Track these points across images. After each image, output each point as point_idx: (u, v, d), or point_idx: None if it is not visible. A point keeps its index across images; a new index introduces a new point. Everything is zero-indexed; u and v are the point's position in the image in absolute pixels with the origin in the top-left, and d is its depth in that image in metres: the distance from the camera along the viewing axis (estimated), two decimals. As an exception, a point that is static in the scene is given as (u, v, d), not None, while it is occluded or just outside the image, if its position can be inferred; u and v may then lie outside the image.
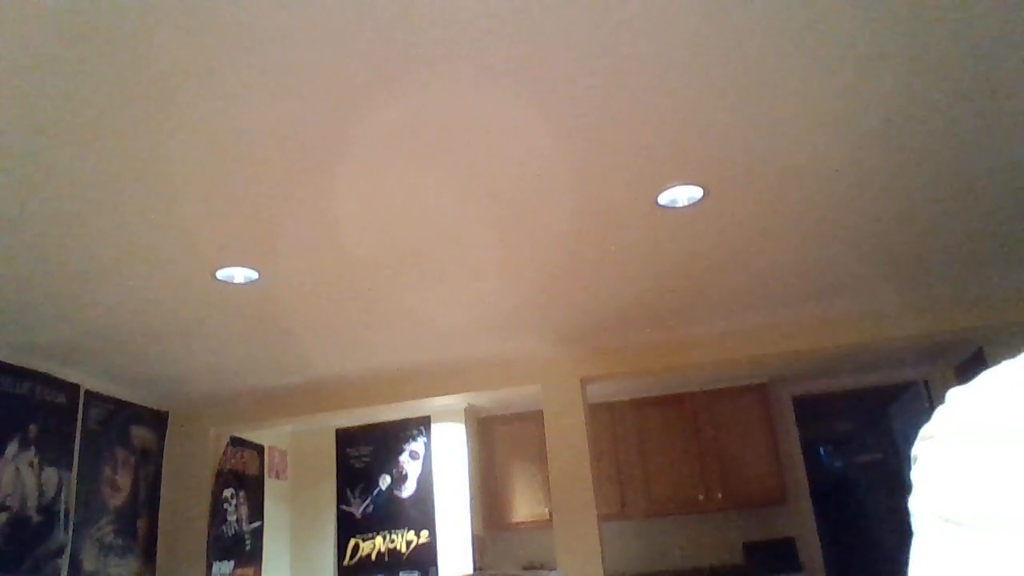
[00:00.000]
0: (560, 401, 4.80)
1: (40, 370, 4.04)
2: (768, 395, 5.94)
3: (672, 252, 3.40)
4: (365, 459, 5.99)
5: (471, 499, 5.69)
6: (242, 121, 2.19)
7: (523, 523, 5.91)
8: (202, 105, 2.10)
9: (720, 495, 5.74)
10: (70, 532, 4.11)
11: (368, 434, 6.02)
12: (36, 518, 3.89)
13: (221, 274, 3.21)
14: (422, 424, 5.89)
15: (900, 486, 6.71)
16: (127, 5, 1.72)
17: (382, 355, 4.52)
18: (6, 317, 3.46)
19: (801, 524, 5.88)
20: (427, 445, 5.86)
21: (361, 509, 5.89)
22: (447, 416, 5.86)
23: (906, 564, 0.51)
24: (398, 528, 5.75)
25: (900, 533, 6.37)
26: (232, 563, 5.21)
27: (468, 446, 5.82)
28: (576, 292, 3.80)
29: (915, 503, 0.50)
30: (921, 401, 6.21)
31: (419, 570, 5.61)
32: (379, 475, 5.92)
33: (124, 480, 4.62)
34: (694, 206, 2.96)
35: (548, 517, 5.64)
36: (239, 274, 3.23)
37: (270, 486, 5.86)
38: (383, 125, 2.27)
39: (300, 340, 4.13)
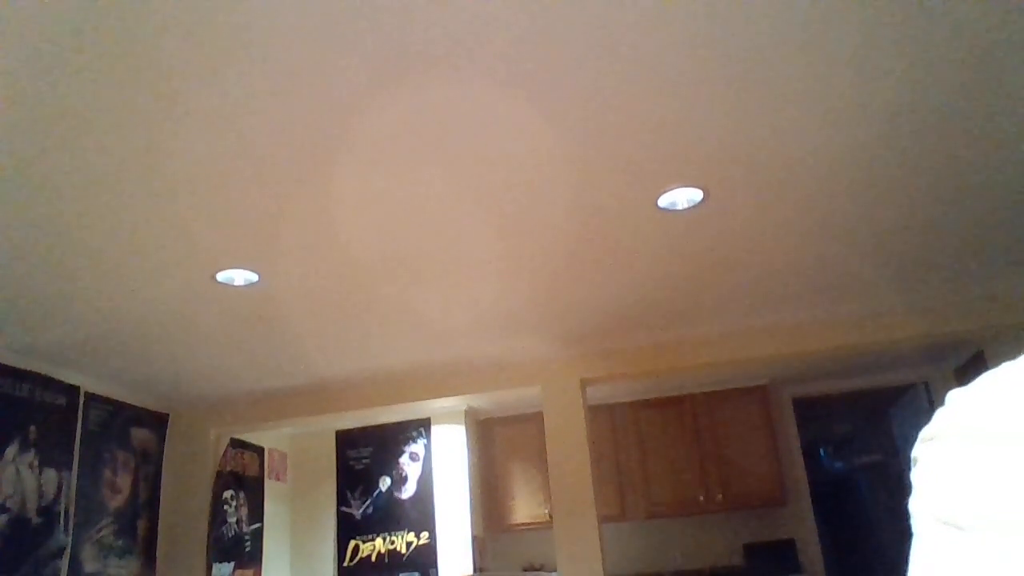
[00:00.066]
0: (560, 403, 4.80)
1: (40, 372, 4.04)
2: (768, 396, 5.93)
3: (672, 254, 3.40)
4: (365, 461, 5.99)
5: (471, 500, 5.69)
6: (242, 122, 2.19)
7: (523, 524, 5.91)
8: (202, 106, 2.10)
9: (720, 496, 5.74)
10: (70, 533, 4.11)
11: (368, 436, 6.01)
12: (36, 519, 3.88)
13: (221, 276, 3.21)
14: (422, 426, 5.89)
15: (900, 488, 6.71)
16: (128, 6, 1.72)
17: (382, 357, 4.52)
18: (6, 319, 3.46)
19: (801, 526, 5.87)
20: (427, 447, 5.86)
21: (361, 510, 5.88)
22: (447, 418, 5.86)
23: (906, 566, 0.51)
24: (398, 529, 5.75)
25: (900, 535, 6.36)
26: (232, 564, 5.21)
27: (468, 448, 5.82)
28: (576, 294, 3.80)
29: (915, 505, 0.50)
30: (921, 403, 6.21)
31: (419, 571, 5.60)
32: (379, 477, 5.91)
33: (124, 481, 4.62)
34: (694, 208, 2.96)
35: (548, 518, 5.63)
36: (239, 276, 3.23)
37: (270, 488, 5.86)
38: (383, 126, 2.27)
39: (300, 342, 4.13)
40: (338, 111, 2.18)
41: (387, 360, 4.60)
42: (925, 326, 4.47)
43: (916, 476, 0.51)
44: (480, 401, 5.69)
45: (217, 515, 5.09)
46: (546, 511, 5.73)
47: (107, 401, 4.53)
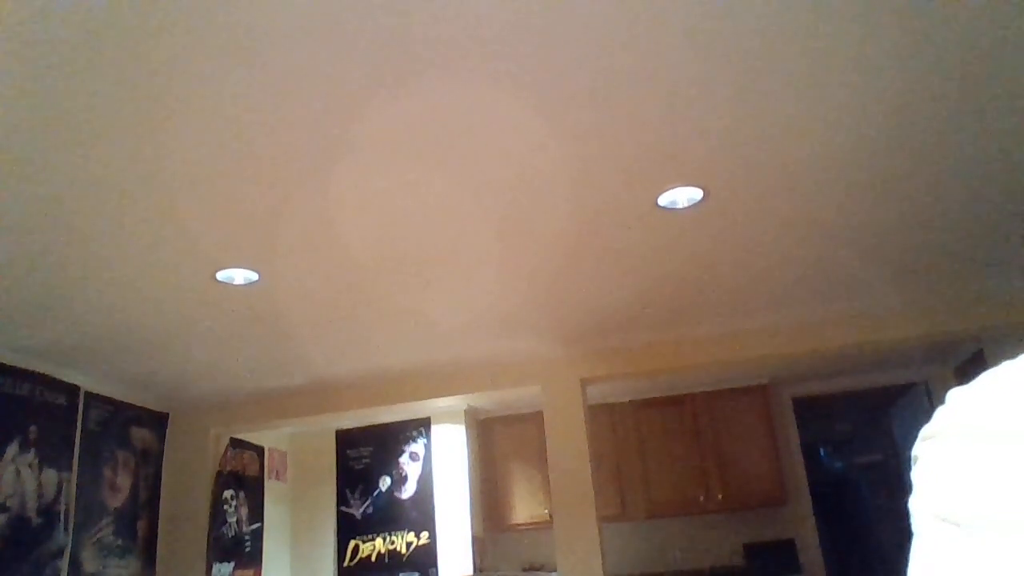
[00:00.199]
0: (560, 402, 4.80)
1: (40, 371, 4.04)
2: (768, 396, 5.93)
3: (672, 253, 3.40)
4: (365, 460, 5.99)
5: (471, 500, 5.69)
6: (242, 122, 2.19)
7: (523, 524, 5.91)
8: (203, 106, 2.10)
9: (720, 496, 5.74)
10: (70, 533, 4.11)
11: (368, 435, 6.01)
12: (36, 519, 3.88)
13: (221, 275, 3.21)
14: (422, 425, 5.89)
15: (900, 487, 6.71)
16: (128, 6, 1.72)
17: (382, 356, 4.52)
18: (6, 318, 3.46)
19: (801, 525, 5.87)
20: (427, 446, 5.86)
21: (361, 510, 5.88)
22: (447, 417, 5.86)
23: (906, 565, 0.51)
24: (398, 529, 5.75)
25: (900, 534, 6.36)
26: (232, 564, 5.21)
27: (468, 447, 5.82)
28: (576, 293, 3.80)
29: (915, 504, 0.50)
30: (921, 402, 6.21)
31: (419, 571, 5.60)
32: (379, 476, 5.91)
33: (124, 481, 4.62)
34: (694, 207, 2.96)
35: (548, 518, 5.63)
36: (239, 275, 3.23)
37: (270, 487, 5.86)
38: (383, 125, 2.27)
39: (300, 341, 4.13)
40: (338, 111, 2.18)
41: (387, 359, 4.60)
42: (925, 326, 4.47)
43: (916, 475, 0.51)
44: (480, 401, 5.69)
45: (217, 515, 5.09)
46: (546, 511, 5.73)
47: (107, 401, 4.53)
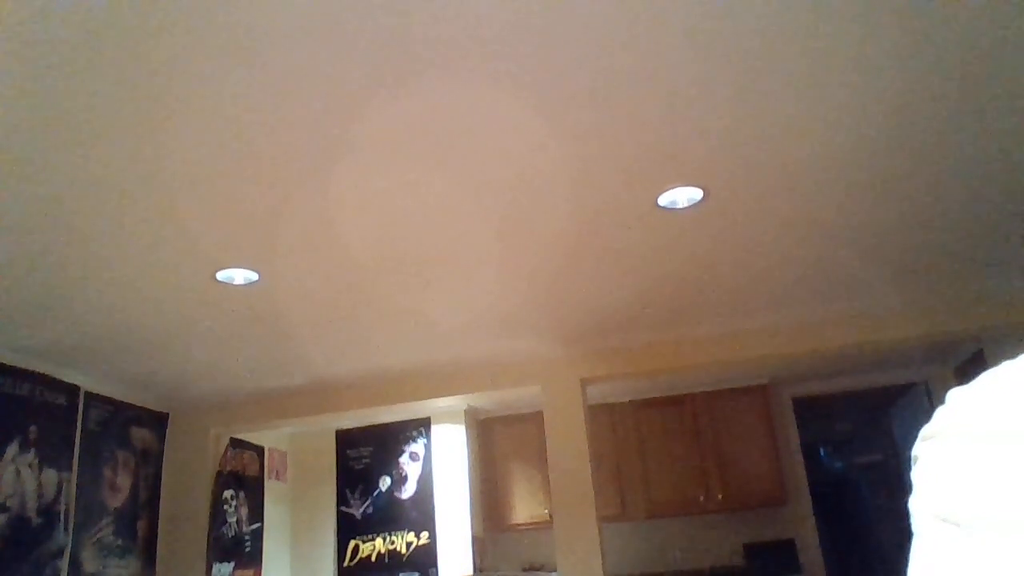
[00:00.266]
0: (560, 402, 4.80)
1: (40, 371, 4.04)
2: (768, 396, 5.93)
3: (672, 253, 3.40)
4: (365, 460, 5.99)
5: (471, 500, 5.69)
6: (242, 122, 2.19)
7: (523, 524, 5.91)
8: (202, 106, 2.10)
9: (720, 496, 5.74)
10: (70, 533, 4.11)
11: (368, 435, 6.01)
12: (36, 519, 3.88)
13: (221, 275, 3.21)
14: (422, 425, 5.89)
15: (900, 487, 6.71)
16: (128, 6, 1.72)
17: (382, 356, 4.52)
18: (6, 318, 3.46)
19: (801, 525, 5.87)
20: (427, 446, 5.86)
21: (361, 510, 5.88)
22: (447, 417, 5.86)
23: (906, 565, 0.51)
24: (398, 529, 5.75)
25: (900, 534, 6.36)
26: (232, 564, 5.21)
27: (468, 447, 5.82)
28: (576, 293, 3.80)
29: (915, 504, 0.50)
30: (921, 402, 6.21)
31: (419, 571, 5.60)
32: (379, 476, 5.91)
33: (124, 481, 4.62)
34: (694, 207, 2.96)
35: (548, 518, 5.63)
36: (239, 275, 3.23)
37: (270, 487, 5.86)
38: (383, 126, 2.27)
39: (300, 341, 4.13)
40: (338, 111, 2.18)
41: (387, 359, 4.60)
42: (925, 326, 4.47)
43: (916, 475, 0.51)
44: (480, 401, 5.69)
45: (217, 515, 5.09)
46: (546, 511, 5.73)
47: (107, 401, 4.53)
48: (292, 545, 6.04)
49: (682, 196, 2.86)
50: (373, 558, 5.74)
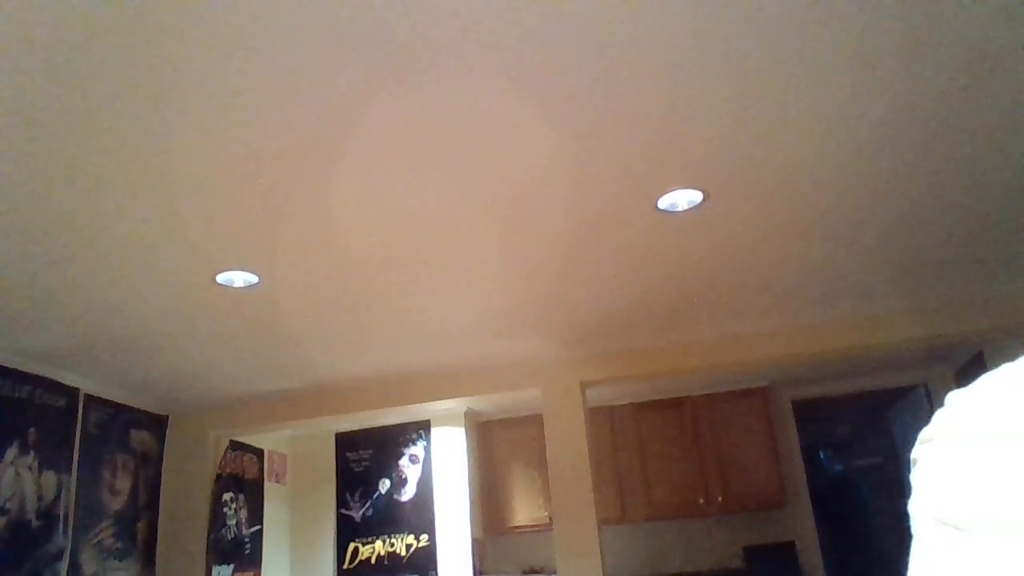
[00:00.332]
0: (560, 405, 4.80)
1: (40, 374, 4.04)
2: (768, 399, 5.93)
3: (672, 256, 3.40)
4: (365, 463, 5.99)
5: (471, 503, 5.68)
6: (242, 123, 2.19)
7: (523, 527, 5.90)
8: (202, 108, 2.10)
9: (720, 499, 5.73)
10: (69, 536, 4.11)
11: (368, 438, 6.01)
12: (35, 522, 3.88)
13: (221, 278, 3.21)
14: (422, 428, 5.89)
15: (900, 490, 6.71)
16: (127, 7, 1.72)
17: (382, 359, 4.52)
18: (6, 320, 3.45)
19: (801, 528, 5.87)
20: (427, 449, 5.85)
21: (361, 513, 5.88)
22: (447, 420, 5.85)
23: (906, 567, 0.51)
24: (398, 532, 5.74)
25: (900, 536, 6.35)
26: (232, 567, 5.20)
27: (468, 450, 5.81)
28: (576, 296, 3.80)
29: (914, 507, 0.50)
30: (921, 404, 6.21)
31: (419, 574, 5.60)
32: (379, 479, 5.91)
33: (124, 484, 4.62)
34: (694, 210, 2.96)
35: (548, 521, 5.63)
36: (239, 278, 3.23)
37: (270, 490, 5.86)
38: (383, 127, 2.27)
39: (300, 344, 4.13)
40: (338, 112, 2.18)
41: (387, 362, 4.60)
42: (925, 328, 4.47)
43: (915, 477, 0.51)
44: (480, 403, 5.69)
45: (217, 517, 5.09)
46: (546, 513, 5.73)
47: (107, 403, 4.53)
48: (292, 547, 6.04)
49: (682, 199, 2.86)
50: (373, 560, 5.74)
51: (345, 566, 5.79)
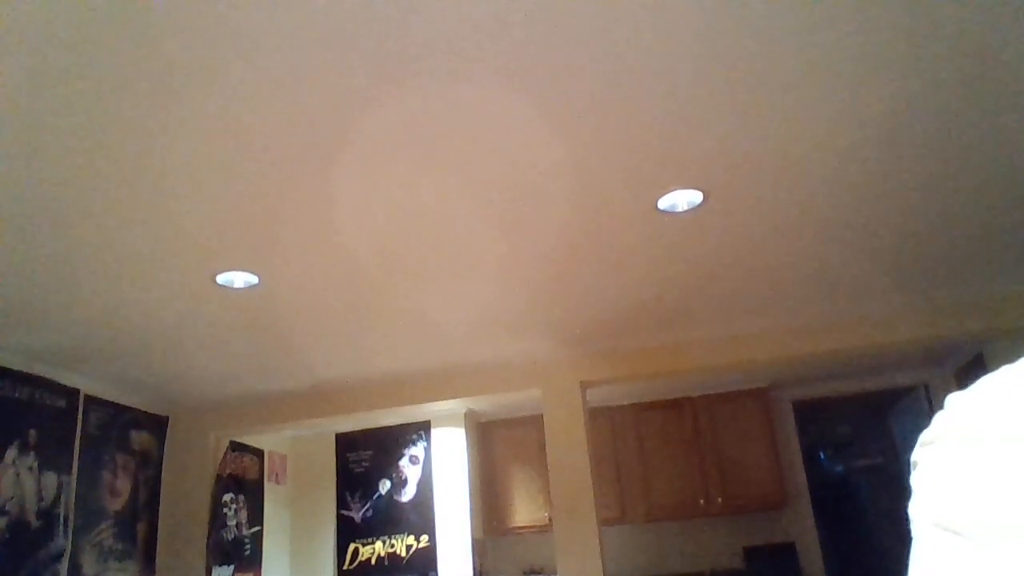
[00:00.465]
0: (560, 405, 4.79)
1: (40, 374, 4.03)
2: (768, 399, 5.93)
3: (672, 256, 3.40)
4: (365, 464, 5.99)
5: (471, 503, 5.68)
6: (242, 124, 2.19)
7: (523, 527, 5.90)
8: (202, 108, 2.10)
9: (720, 499, 5.73)
10: (70, 536, 4.11)
11: (368, 439, 6.01)
12: (36, 522, 3.88)
13: (221, 279, 3.21)
14: (422, 429, 5.89)
15: (900, 490, 6.70)
16: (127, 7, 1.73)
17: (382, 359, 4.52)
18: (6, 321, 3.45)
19: (801, 528, 5.87)
20: (427, 449, 5.85)
21: (361, 514, 5.88)
22: (447, 420, 5.85)
23: (906, 569, 0.51)
24: (398, 532, 5.74)
25: (900, 538, 6.35)
26: (232, 567, 5.20)
27: (468, 450, 5.81)
28: (576, 296, 3.80)
29: (914, 510, 0.50)
30: (921, 405, 6.21)
31: (419, 574, 5.60)
32: (379, 480, 5.91)
33: (124, 484, 4.62)
34: (694, 210, 2.96)
35: (548, 521, 5.63)
36: (239, 278, 3.23)
37: (270, 491, 5.86)
38: (383, 127, 2.27)
39: (300, 345, 4.13)
40: (338, 112, 2.18)
41: (387, 363, 4.59)
42: (925, 329, 4.47)
43: (915, 480, 0.51)
44: (480, 404, 5.68)
45: (217, 518, 5.08)
46: (546, 514, 5.73)
47: (107, 404, 4.53)
48: (292, 548, 6.04)
49: (682, 199, 2.86)
50: (373, 561, 5.73)
51: (345, 567, 5.79)
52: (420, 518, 5.71)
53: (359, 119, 2.21)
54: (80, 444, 4.27)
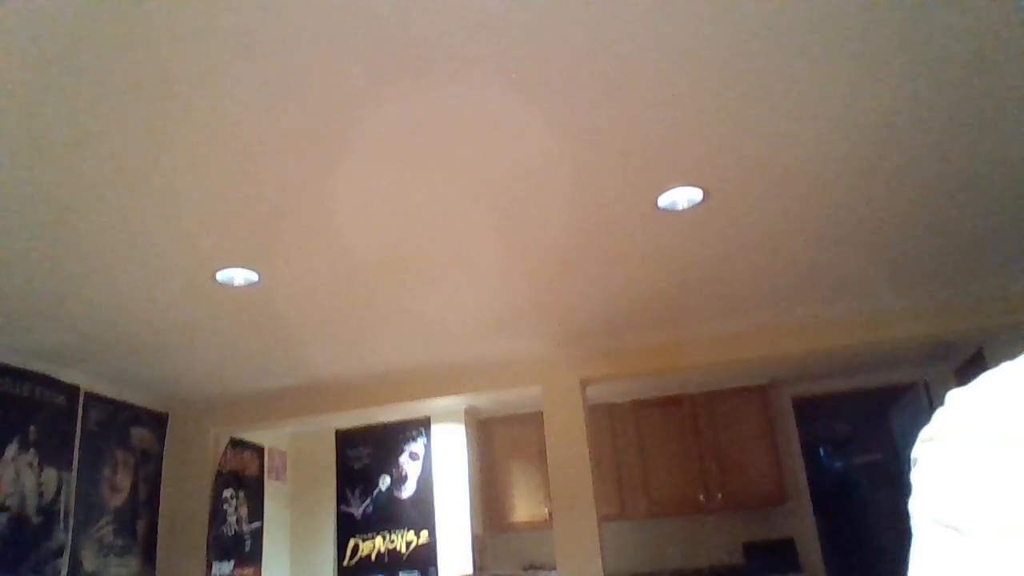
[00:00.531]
0: (560, 402, 4.80)
1: (40, 371, 4.04)
2: (768, 396, 5.93)
3: (672, 254, 3.40)
4: (365, 460, 5.99)
5: (471, 500, 5.69)
6: (242, 123, 2.19)
7: (523, 524, 5.91)
8: (202, 107, 2.10)
9: (720, 496, 5.74)
10: (70, 532, 4.11)
11: (368, 435, 6.01)
12: (36, 519, 3.89)
13: (221, 276, 3.21)
14: (422, 425, 5.89)
15: (900, 487, 6.71)
16: (127, 8, 1.72)
17: (382, 356, 4.52)
18: (6, 318, 3.46)
19: (801, 525, 5.87)
20: (427, 446, 5.86)
21: (361, 510, 5.88)
22: (447, 417, 5.86)
23: (905, 566, 0.51)
24: (398, 528, 5.75)
25: (900, 534, 6.36)
26: (232, 563, 5.21)
27: (468, 447, 5.82)
28: (576, 293, 3.80)
29: (914, 506, 0.50)
30: (921, 402, 6.21)
31: (419, 570, 5.61)
32: (379, 476, 5.91)
33: (124, 481, 4.62)
34: (694, 208, 2.96)
35: (548, 518, 5.64)
36: (239, 276, 3.23)
37: (270, 487, 5.86)
38: (382, 126, 2.27)
39: (300, 341, 4.13)
40: (338, 111, 2.18)
41: (387, 359, 4.60)
42: (925, 326, 4.47)
43: (916, 477, 0.51)
44: (480, 400, 5.69)
45: (217, 514, 5.09)
46: (546, 510, 5.74)
47: (107, 400, 4.53)
48: (292, 544, 6.04)
49: (682, 197, 2.86)
50: (373, 557, 5.74)
51: (345, 563, 5.80)
52: (420, 514, 5.72)
53: (359, 119, 2.21)
54: (80, 441, 4.27)
